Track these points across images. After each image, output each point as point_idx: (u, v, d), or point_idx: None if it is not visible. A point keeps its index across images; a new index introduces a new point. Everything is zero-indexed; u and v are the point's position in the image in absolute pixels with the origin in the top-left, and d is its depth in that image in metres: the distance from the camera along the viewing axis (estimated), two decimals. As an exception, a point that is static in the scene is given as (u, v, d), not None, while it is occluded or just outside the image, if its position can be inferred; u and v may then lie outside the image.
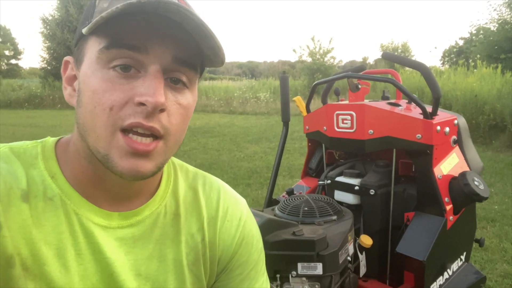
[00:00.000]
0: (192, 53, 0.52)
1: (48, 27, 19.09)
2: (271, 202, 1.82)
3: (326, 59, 16.15)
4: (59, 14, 19.05)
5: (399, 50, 22.38)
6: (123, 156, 0.49)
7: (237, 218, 0.68)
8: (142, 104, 0.48)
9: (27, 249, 0.49)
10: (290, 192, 1.79)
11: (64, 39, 18.52)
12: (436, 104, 1.45)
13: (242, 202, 0.71)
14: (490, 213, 3.52)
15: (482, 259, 2.68)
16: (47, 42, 19.26)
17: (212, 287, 0.68)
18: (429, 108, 1.47)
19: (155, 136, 0.50)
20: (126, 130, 0.49)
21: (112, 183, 0.55)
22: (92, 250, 0.53)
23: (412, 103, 1.62)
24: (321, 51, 16.11)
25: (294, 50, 18.36)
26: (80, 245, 0.53)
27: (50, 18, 19.22)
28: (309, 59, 16.24)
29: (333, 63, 16.52)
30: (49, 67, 19.58)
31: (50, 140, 0.59)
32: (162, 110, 0.49)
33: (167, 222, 0.61)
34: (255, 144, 7.29)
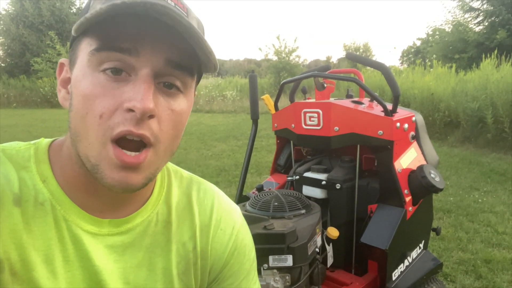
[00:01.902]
0: (186, 55, 0.50)
1: (1, 22, 18.13)
2: (241, 198, 1.85)
3: (291, 57, 16.38)
4: (13, 8, 18.19)
5: (361, 50, 23.06)
6: (113, 168, 0.48)
7: (231, 227, 0.67)
8: (131, 110, 0.47)
9: (17, 254, 0.49)
10: (260, 189, 1.84)
11: (19, 35, 17.67)
12: (396, 102, 1.54)
13: (236, 210, 0.70)
14: (446, 205, 3.74)
15: (439, 247, 2.85)
16: (1, 38, 18.29)
17: None
18: (389, 106, 1.56)
19: (144, 144, 0.49)
20: (116, 141, 0.48)
21: (104, 190, 0.53)
22: (80, 257, 0.53)
23: (374, 101, 1.70)
24: (287, 50, 16.32)
25: (260, 49, 18.58)
26: (68, 252, 0.52)
27: (3, 12, 18.31)
28: (275, 58, 16.41)
29: (298, 61, 16.79)
30: (3, 64, 18.61)
31: (44, 142, 0.58)
32: (151, 116, 0.48)
33: (158, 230, 0.60)
34: (222, 142, 7.29)
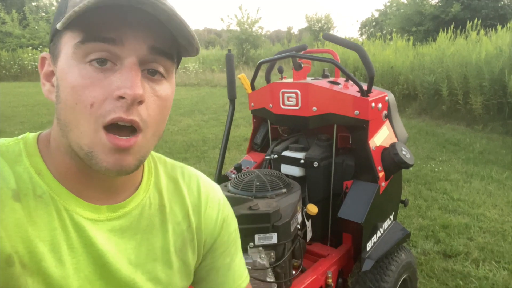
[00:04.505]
0: (167, 42, 0.53)
1: None
2: (220, 178, 1.87)
3: (254, 29, 16.15)
4: None
5: (323, 22, 23.15)
6: (107, 152, 0.51)
7: (217, 203, 0.73)
8: (121, 97, 0.49)
9: (24, 247, 0.50)
10: (238, 168, 1.87)
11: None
12: (371, 82, 1.59)
13: (217, 188, 0.77)
14: (406, 174, 3.97)
15: (401, 215, 3.05)
16: None
17: (200, 266, 0.73)
18: (364, 86, 1.61)
19: (134, 129, 0.52)
20: (108, 128, 0.50)
21: (97, 178, 0.57)
22: (84, 243, 0.55)
23: (349, 80, 1.75)
24: (249, 21, 16.05)
25: (222, 19, 18.10)
26: (72, 240, 0.54)
27: None
28: (237, 29, 16.11)
29: (261, 33, 16.60)
30: None
31: (30, 136, 0.59)
32: (140, 102, 0.51)
33: (153, 213, 0.64)
34: (188, 117, 7.20)
